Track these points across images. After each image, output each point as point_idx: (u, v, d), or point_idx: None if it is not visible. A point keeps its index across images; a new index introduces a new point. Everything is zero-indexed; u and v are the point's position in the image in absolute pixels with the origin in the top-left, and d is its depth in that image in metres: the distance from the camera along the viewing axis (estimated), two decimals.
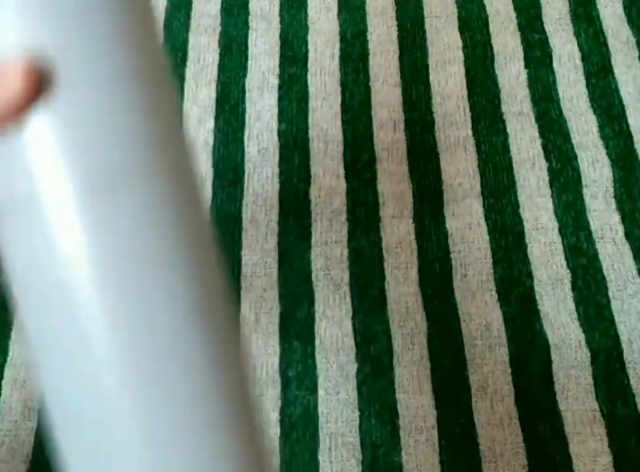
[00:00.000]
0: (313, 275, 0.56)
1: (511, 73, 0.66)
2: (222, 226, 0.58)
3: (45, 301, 0.21)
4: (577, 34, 0.68)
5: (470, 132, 0.63)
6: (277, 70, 0.66)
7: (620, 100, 0.64)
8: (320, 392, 0.52)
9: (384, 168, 0.61)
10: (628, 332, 0.54)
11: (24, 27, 0.20)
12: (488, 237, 0.58)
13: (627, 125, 0.63)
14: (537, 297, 0.55)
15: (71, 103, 0.21)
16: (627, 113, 0.63)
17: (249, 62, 0.66)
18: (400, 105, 0.64)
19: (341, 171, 0.61)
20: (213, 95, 0.65)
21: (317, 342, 0.54)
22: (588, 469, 0.49)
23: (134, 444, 0.21)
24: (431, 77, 0.66)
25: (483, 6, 0.70)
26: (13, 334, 0.54)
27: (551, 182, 0.60)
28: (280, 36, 0.68)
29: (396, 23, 0.69)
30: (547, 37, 0.68)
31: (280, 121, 0.63)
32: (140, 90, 0.21)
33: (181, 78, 0.66)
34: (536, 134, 0.62)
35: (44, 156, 0.21)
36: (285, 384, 0.52)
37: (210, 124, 0.64)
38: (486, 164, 0.61)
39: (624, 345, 0.53)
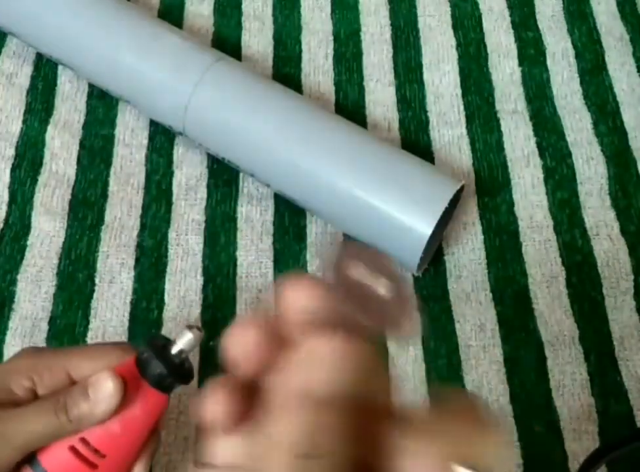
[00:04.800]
0: None
1: (505, 71, 0.66)
2: (217, 226, 0.58)
3: None
4: (570, 31, 0.68)
5: (464, 131, 0.62)
6: (271, 70, 0.66)
7: (614, 97, 0.64)
8: None
9: None
10: (620, 330, 0.54)
11: None
12: (482, 237, 0.58)
13: (622, 122, 0.63)
14: (532, 295, 0.56)
15: None
16: (622, 109, 0.63)
17: (242, 63, 0.66)
18: (394, 104, 0.64)
19: None
20: None
21: None
22: (582, 467, 0.50)
23: None
24: (425, 76, 0.65)
25: (476, 4, 0.69)
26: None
27: (545, 180, 0.60)
28: (274, 36, 0.68)
29: (389, 22, 0.68)
30: (540, 35, 0.67)
31: None
32: None
33: None
34: (530, 132, 0.62)
35: None
36: None
37: None
38: (480, 162, 0.61)
39: (616, 343, 0.54)
